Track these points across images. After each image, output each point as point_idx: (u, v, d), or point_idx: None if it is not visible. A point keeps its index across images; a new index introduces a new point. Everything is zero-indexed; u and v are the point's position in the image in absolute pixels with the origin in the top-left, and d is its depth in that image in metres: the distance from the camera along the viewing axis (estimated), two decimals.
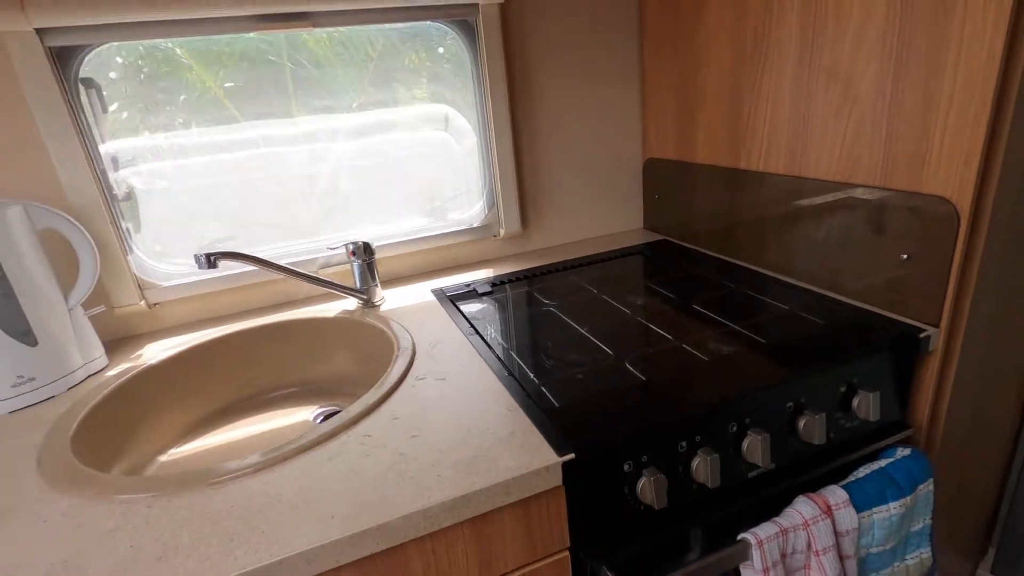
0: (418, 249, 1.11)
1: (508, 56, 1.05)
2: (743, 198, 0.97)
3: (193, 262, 0.87)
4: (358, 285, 0.96)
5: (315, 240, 1.05)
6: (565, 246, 1.22)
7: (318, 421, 0.85)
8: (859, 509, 0.65)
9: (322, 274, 1.01)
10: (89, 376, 0.82)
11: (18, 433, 0.69)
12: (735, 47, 0.92)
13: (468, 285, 1.03)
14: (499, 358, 0.74)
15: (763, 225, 0.94)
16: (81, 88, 0.84)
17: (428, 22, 1.00)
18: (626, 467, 0.58)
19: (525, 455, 0.54)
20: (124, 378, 0.79)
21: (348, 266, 1.00)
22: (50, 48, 0.79)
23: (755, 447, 0.63)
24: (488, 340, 0.80)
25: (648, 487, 0.58)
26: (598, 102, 1.16)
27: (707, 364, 0.68)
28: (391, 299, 0.99)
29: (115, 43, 0.84)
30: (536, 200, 1.17)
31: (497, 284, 1.03)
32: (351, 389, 0.91)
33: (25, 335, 0.74)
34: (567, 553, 0.59)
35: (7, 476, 0.60)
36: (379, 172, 1.06)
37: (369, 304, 0.97)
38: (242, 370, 0.90)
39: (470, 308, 0.93)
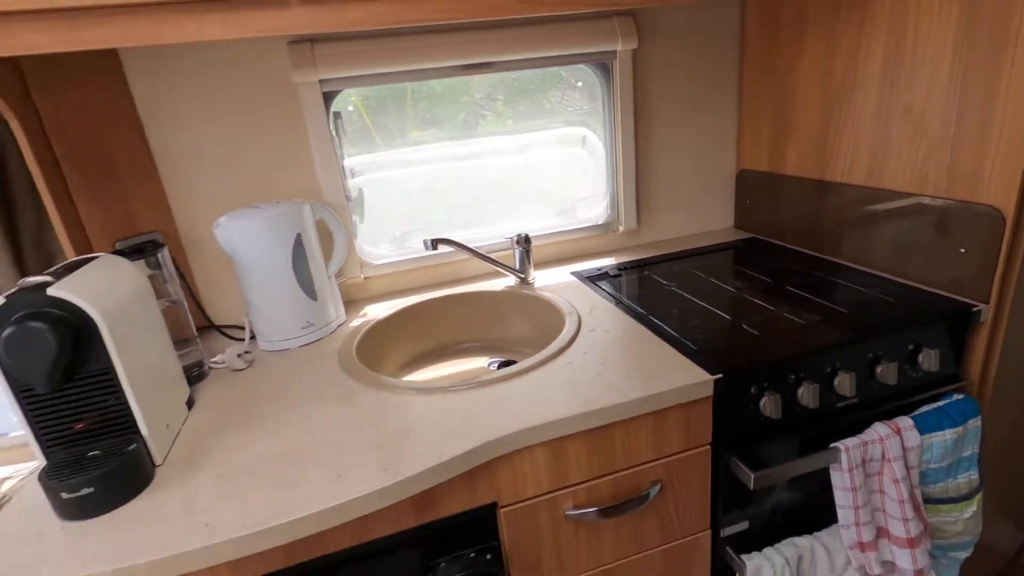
0: (554, 241, 1.39)
1: (634, 88, 1.32)
2: (827, 203, 1.21)
3: (391, 248, 1.20)
4: (518, 267, 1.25)
5: (482, 230, 1.35)
6: (669, 240, 1.48)
7: (493, 368, 1.14)
8: (921, 432, 0.88)
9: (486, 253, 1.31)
10: (339, 327, 1.14)
11: (314, 359, 1.01)
12: (825, 82, 1.16)
13: (599, 269, 1.30)
14: (643, 319, 1.01)
15: (843, 224, 1.18)
16: (332, 118, 1.17)
17: (573, 65, 1.28)
18: (752, 389, 0.84)
19: (687, 374, 0.82)
20: (367, 327, 1.11)
21: (510, 252, 1.29)
22: (323, 92, 1.12)
23: (844, 382, 0.88)
24: (630, 307, 1.07)
25: (768, 404, 0.84)
26: (702, 123, 1.41)
27: (804, 326, 0.94)
28: (540, 279, 1.28)
29: (358, 88, 1.16)
30: (648, 202, 1.44)
31: (623, 269, 1.30)
32: (519, 347, 1.20)
33: (311, 292, 1.07)
34: (709, 447, 0.86)
35: (331, 378, 0.92)
36: (528, 180, 1.35)
37: (525, 282, 1.26)
38: (436, 327, 1.21)
39: (606, 286, 1.20)
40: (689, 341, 0.92)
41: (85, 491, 0.64)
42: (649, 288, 1.18)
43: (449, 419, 0.77)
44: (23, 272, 0.98)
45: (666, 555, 0.90)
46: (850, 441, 0.86)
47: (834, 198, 1.19)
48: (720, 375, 0.81)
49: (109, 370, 0.68)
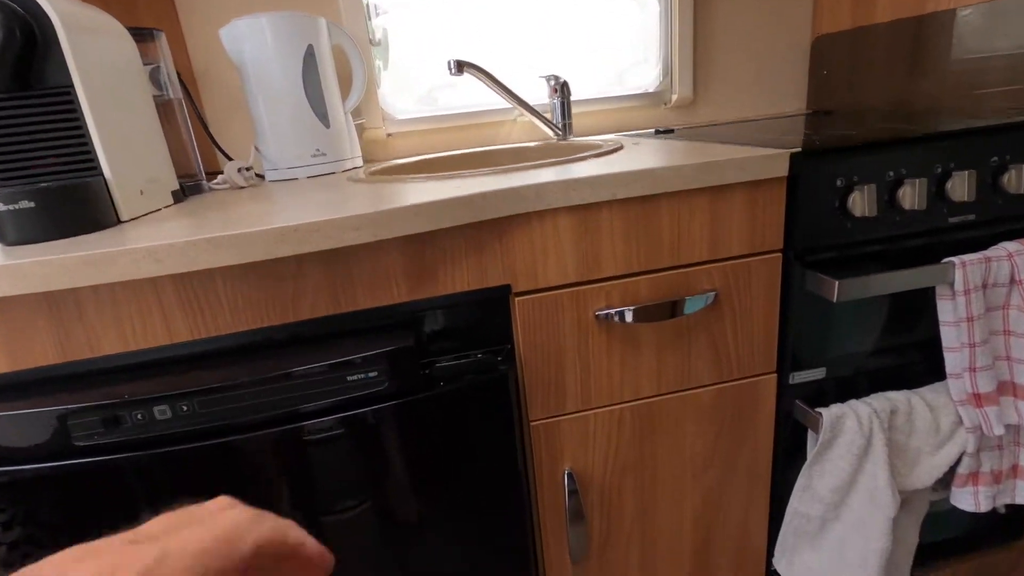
0: (594, 109, 1.24)
1: None
2: (931, 48, 1.01)
3: (417, 104, 1.08)
4: (558, 120, 1.11)
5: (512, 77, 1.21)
6: (728, 125, 1.30)
7: None
8: None
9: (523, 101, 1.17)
10: (354, 168, 1.03)
11: (325, 185, 0.90)
12: None
13: (649, 131, 1.15)
14: (704, 141, 0.85)
15: (954, 78, 0.97)
16: None
17: None
18: (839, 182, 0.67)
19: (758, 150, 0.65)
20: (383, 166, 0.99)
21: (546, 111, 1.15)
22: None
23: (959, 185, 0.69)
24: (687, 140, 0.91)
25: (859, 201, 0.67)
26: None
27: (912, 113, 0.75)
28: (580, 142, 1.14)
29: None
30: (706, 72, 1.27)
31: (680, 129, 1.14)
32: None
33: (324, 117, 0.96)
34: (779, 254, 0.69)
35: (342, 185, 0.80)
36: (571, 31, 1.21)
37: (564, 139, 1.12)
38: None
39: (657, 137, 1.04)
40: (761, 142, 0.75)
41: (24, 204, 0.55)
42: (711, 135, 1.01)
43: (462, 188, 0.64)
44: None
45: (718, 398, 0.73)
46: (968, 256, 0.67)
47: (940, 35, 0.99)
48: (798, 148, 0.64)
49: (67, 89, 0.59)
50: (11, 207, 0.55)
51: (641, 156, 0.73)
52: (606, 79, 1.26)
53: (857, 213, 0.67)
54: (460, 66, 0.98)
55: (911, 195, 0.67)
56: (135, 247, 0.49)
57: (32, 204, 0.55)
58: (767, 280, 0.69)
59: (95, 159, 0.62)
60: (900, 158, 0.68)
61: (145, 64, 0.80)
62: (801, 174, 0.65)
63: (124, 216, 0.64)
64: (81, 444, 0.52)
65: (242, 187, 0.91)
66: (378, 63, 1.14)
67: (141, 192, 0.69)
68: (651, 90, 1.26)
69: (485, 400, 0.62)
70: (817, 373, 0.75)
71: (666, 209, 0.64)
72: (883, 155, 0.67)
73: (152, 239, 0.51)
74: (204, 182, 0.92)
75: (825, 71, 1.27)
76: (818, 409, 0.73)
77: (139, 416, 0.52)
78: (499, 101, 1.19)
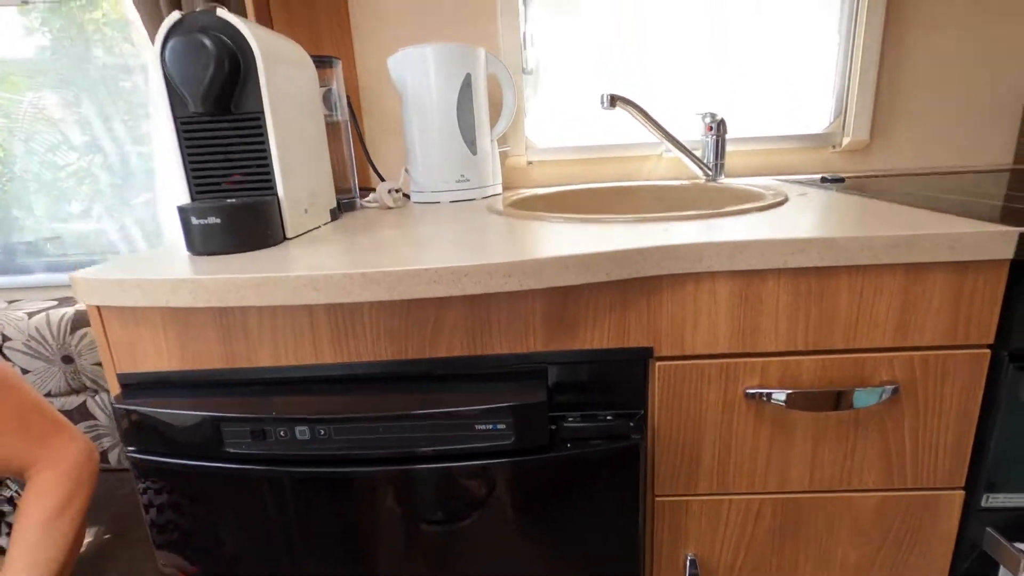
0: (749, 149, 1.15)
1: None
2: None
3: (561, 133, 1.07)
4: (711, 159, 1.04)
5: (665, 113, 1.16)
6: (909, 177, 1.14)
7: None
8: None
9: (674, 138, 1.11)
10: (495, 195, 1.04)
11: (467, 210, 0.91)
12: None
13: (811, 179, 1.03)
14: (886, 201, 0.74)
15: None
16: None
17: None
18: None
19: (971, 224, 0.55)
20: (522, 196, 0.99)
21: (698, 148, 1.08)
22: None
23: None
24: (862, 194, 0.80)
25: None
26: (985, 25, 1.06)
27: None
28: (731, 182, 1.05)
29: None
30: (889, 114, 1.12)
31: (849, 178, 1.01)
32: None
33: (472, 144, 0.98)
34: (988, 350, 0.57)
35: (481, 216, 0.81)
36: (733, 63, 1.13)
37: (713, 181, 1.04)
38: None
39: (824, 188, 0.93)
40: (967, 212, 0.64)
41: (212, 220, 0.60)
42: (891, 190, 0.88)
43: (612, 239, 0.60)
44: None
45: (883, 506, 0.62)
46: None
47: None
48: None
49: (259, 115, 0.65)
50: (201, 221, 0.60)
51: (813, 213, 0.64)
52: (767, 114, 1.16)
53: None
54: (613, 100, 0.95)
55: None
56: (298, 275, 0.51)
57: (218, 220, 0.61)
58: (967, 380, 0.58)
59: (273, 180, 0.67)
60: None
61: (320, 86, 0.87)
62: None
63: (289, 233, 0.69)
64: (231, 451, 0.55)
65: (390, 207, 0.94)
66: (527, 92, 1.14)
67: (305, 211, 0.73)
68: (819, 131, 1.14)
69: (613, 469, 0.57)
70: (1022, 499, 0.61)
71: (846, 284, 0.55)
72: None
73: (312, 265, 0.53)
74: (357, 199, 0.97)
75: None
76: (1019, 545, 0.59)
77: (282, 433, 0.55)
78: (645, 135, 1.14)
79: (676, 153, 1.05)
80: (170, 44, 0.60)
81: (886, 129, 1.13)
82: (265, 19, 1.01)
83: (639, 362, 0.59)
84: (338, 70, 0.92)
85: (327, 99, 0.92)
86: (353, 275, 0.51)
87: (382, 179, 1.07)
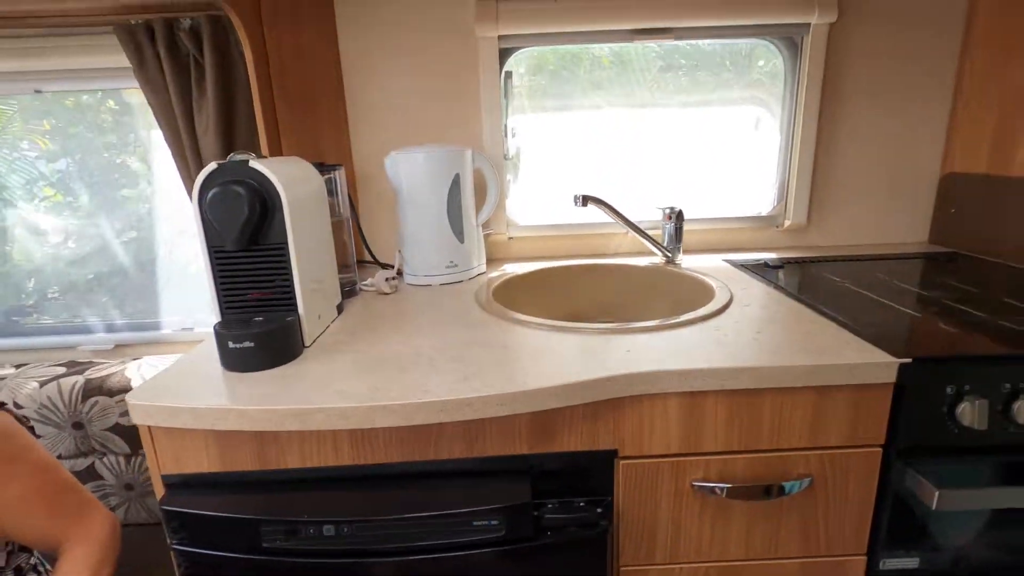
0: (706, 228, 1.30)
1: (825, 67, 1.19)
2: None
3: (539, 213, 1.20)
4: (666, 243, 1.18)
5: (632, 205, 1.30)
6: (842, 248, 1.30)
7: None
8: None
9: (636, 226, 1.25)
10: (479, 275, 1.16)
11: (453, 295, 1.03)
12: None
13: (757, 260, 1.19)
14: (809, 304, 0.89)
15: None
16: (503, 77, 1.21)
17: (754, 40, 1.20)
18: (949, 389, 0.69)
19: (865, 353, 0.69)
20: (505, 278, 1.11)
21: (659, 232, 1.23)
22: (500, 48, 1.16)
23: None
24: (793, 294, 0.95)
25: (968, 412, 0.68)
26: (902, 116, 1.24)
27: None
28: (688, 262, 1.20)
29: (529, 48, 1.19)
30: (822, 199, 1.29)
31: (788, 262, 1.17)
32: None
33: (460, 233, 1.10)
34: (880, 449, 0.72)
35: (467, 310, 0.93)
36: (689, 160, 1.28)
37: (671, 262, 1.18)
38: (571, 294, 1.18)
39: (767, 275, 1.08)
40: (868, 329, 0.78)
41: (247, 344, 0.71)
42: (819, 282, 1.04)
43: (580, 354, 0.73)
44: None
45: (803, 570, 0.77)
46: None
47: None
48: (907, 360, 0.68)
49: (283, 246, 0.75)
50: (237, 346, 0.71)
51: (749, 329, 0.78)
52: (719, 197, 1.31)
53: (966, 423, 0.69)
54: (585, 200, 1.08)
55: None
56: (330, 407, 0.62)
57: (252, 344, 0.71)
58: (865, 472, 0.72)
59: (294, 299, 0.77)
60: (1018, 372, 0.69)
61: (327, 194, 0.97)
62: (909, 384, 0.68)
63: (307, 341, 0.80)
64: (267, 545, 0.66)
65: (387, 293, 1.06)
66: (508, 177, 1.27)
67: (319, 316, 0.84)
68: (764, 213, 1.30)
69: (585, 549, 0.70)
70: (910, 562, 0.76)
71: (769, 400, 0.69)
72: (998, 368, 0.69)
73: (335, 388, 0.64)
74: (358, 285, 1.08)
75: (953, 209, 1.24)
76: None
77: (311, 530, 0.65)
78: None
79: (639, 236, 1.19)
80: (210, 193, 0.70)
81: (821, 211, 1.30)
82: (272, 120, 1.11)
83: (607, 460, 0.72)
84: (340, 175, 1.02)
85: (331, 203, 1.02)
86: (375, 407, 0.62)
87: (379, 265, 1.18)
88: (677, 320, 0.82)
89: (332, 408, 0.62)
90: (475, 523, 0.66)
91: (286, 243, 0.75)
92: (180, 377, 0.72)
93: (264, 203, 0.73)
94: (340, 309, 0.95)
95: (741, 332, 0.78)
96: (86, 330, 1.37)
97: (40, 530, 0.80)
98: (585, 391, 0.66)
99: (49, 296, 1.39)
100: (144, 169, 1.32)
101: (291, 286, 0.77)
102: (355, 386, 0.66)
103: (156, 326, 1.38)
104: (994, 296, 0.91)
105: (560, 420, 0.69)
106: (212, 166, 0.72)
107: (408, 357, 0.75)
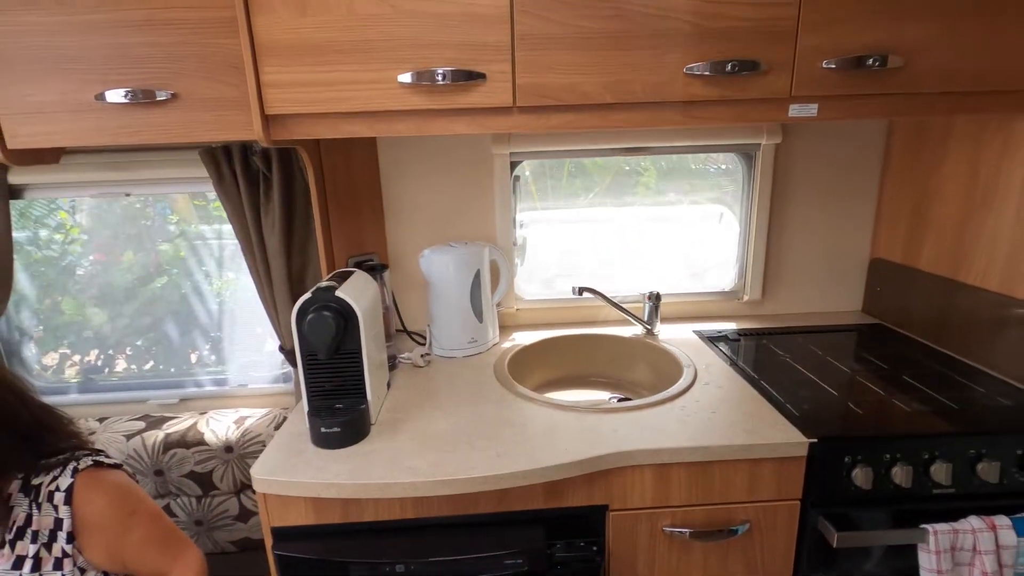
0: (682, 300, 1.57)
1: (774, 175, 1.47)
2: (958, 302, 1.26)
3: (541, 288, 1.47)
4: (646, 319, 1.45)
5: (619, 282, 1.57)
6: (791, 315, 1.58)
7: (613, 402, 1.34)
8: (1019, 534, 0.93)
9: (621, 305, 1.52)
10: (494, 345, 1.42)
11: (475, 367, 1.29)
12: (967, 186, 1.23)
13: (720, 332, 1.46)
14: (755, 382, 1.16)
15: (972, 325, 1.22)
16: (512, 181, 1.47)
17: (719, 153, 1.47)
18: (846, 459, 0.96)
19: (786, 434, 0.96)
20: (515, 350, 1.37)
21: (641, 305, 1.49)
22: (510, 162, 1.43)
23: (940, 471, 0.95)
24: (743, 370, 1.22)
25: (860, 475, 0.95)
26: (838, 211, 1.52)
27: (911, 413, 1.03)
28: (664, 332, 1.46)
29: (534, 160, 1.46)
30: (775, 277, 1.56)
31: (743, 334, 1.44)
32: (638, 388, 1.39)
33: (479, 315, 1.36)
34: (798, 502, 0.98)
35: (489, 384, 1.19)
36: (666, 245, 1.55)
37: (650, 334, 1.45)
38: (570, 359, 1.45)
39: (725, 348, 1.35)
40: (793, 407, 1.05)
41: (335, 429, 0.96)
42: (765, 355, 1.31)
43: (580, 431, 0.99)
44: (290, 268, 1.38)
45: None
46: (940, 525, 0.94)
47: (966, 298, 1.24)
48: (815, 439, 0.94)
49: (357, 351, 1.00)
50: (326, 431, 0.96)
51: (705, 409, 1.05)
52: (691, 275, 1.58)
53: (858, 483, 0.96)
54: (581, 290, 1.35)
55: (902, 475, 0.95)
56: (404, 483, 0.87)
57: (338, 429, 0.96)
58: (788, 518, 0.99)
59: (364, 390, 1.02)
60: (897, 446, 0.96)
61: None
62: (817, 455, 0.95)
63: (373, 419, 1.05)
64: None
65: (421, 367, 1.31)
66: (516, 260, 1.53)
67: (379, 398, 1.09)
68: (727, 289, 1.57)
69: None
70: None
71: (718, 468, 0.96)
72: (881, 443, 0.96)
73: (403, 466, 0.89)
74: (398, 359, 1.33)
75: (878, 288, 1.53)
76: None
77: (386, 569, 0.90)
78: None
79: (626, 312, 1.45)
80: (308, 318, 0.95)
81: (774, 286, 1.57)
82: (325, 221, 1.36)
83: (601, 512, 0.98)
84: (387, 275, 1.28)
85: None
86: (437, 482, 0.87)
87: (411, 337, 1.43)
88: (652, 400, 1.09)
89: (407, 483, 0.87)
90: (506, 561, 0.91)
91: (360, 349, 1.00)
92: (285, 454, 0.96)
93: (345, 323, 0.98)
94: (389, 384, 1.20)
95: (700, 411, 1.04)
96: (153, 386, 1.60)
97: (153, 564, 1.03)
98: (584, 465, 0.92)
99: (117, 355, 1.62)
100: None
101: (362, 379, 1.02)
102: (419, 464, 0.91)
103: (221, 382, 1.61)
104: (898, 374, 1.19)
105: (566, 484, 0.95)
106: (307, 295, 0.97)
107: (452, 436, 1.00)
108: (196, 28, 0.99)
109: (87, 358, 1.62)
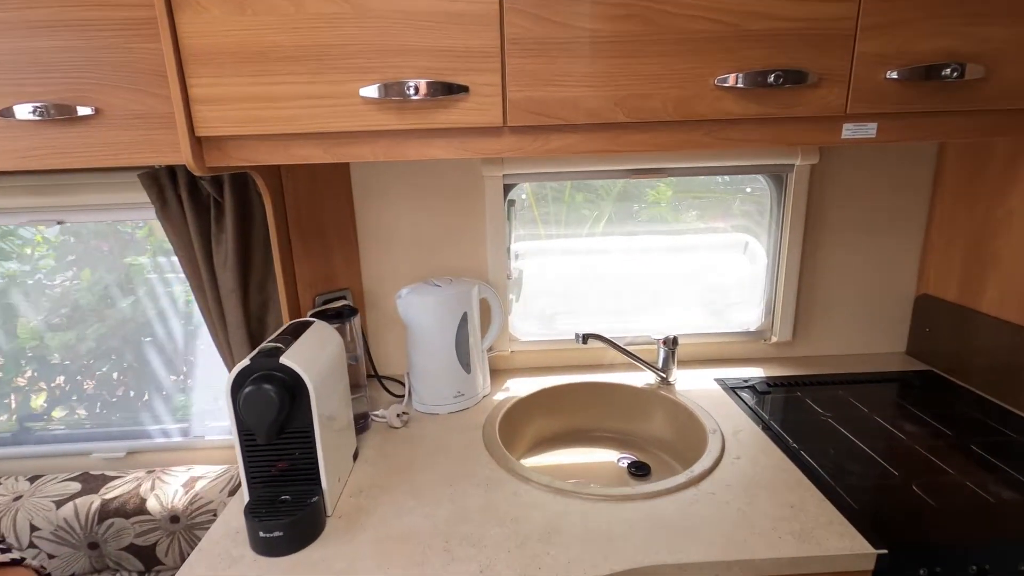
0: (700, 341, 1.37)
1: (808, 201, 1.28)
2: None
3: (539, 326, 1.27)
4: (660, 365, 1.25)
5: (629, 321, 1.37)
6: (826, 357, 1.38)
7: (623, 464, 1.14)
8: None
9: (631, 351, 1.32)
10: (484, 398, 1.22)
11: (460, 429, 1.09)
12: None
13: (745, 380, 1.26)
14: (794, 454, 0.96)
15: None
16: (507, 206, 1.28)
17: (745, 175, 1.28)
18: (922, 572, 0.76)
19: (845, 541, 0.76)
20: (509, 404, 1.17)
21: (654, 348, 1.30)
22: (504, 185, 1.23)
23: None
24: (779, 436, 1.02)
25: None
26: (879, 241, 1.32)
27: (992, 504, 0.83)
28: (681, 380, 1.27)
29: (532, 183, 1.26)
30: (807, 315, 1.37)
31: (772, 385, 1.24)
32: (652, 448, 1.19)
33: (466, 365, 1.16)
34: None
35: (475, 457, 0.99)
36: (682, 278, 1.36)
37: (665, 383, 1.25)
38: (572, 411, 1.25)
39: (752, 401, 1.16)
40: (846, 493, 0.86)
41: (276, 534, 0.76)
42: (801, 414, 1.11)
43: (587, 533, 0.79)
44: (248, 308, 1.18)
45: None
46: None
47: None
48: (885, 550, 0.75)
49: (309, 429, 0.81)
50: (267, 535, 0.76)
51: (741, 490, 0.85)
52: (712, 312, 1.38)
53: None
54: (586, 338, 1.15)
55: None
56: None
57: (281, 533, 0.76)
58: None
59: (319, 478, 0.83)
60: (986, 555, 0.76)
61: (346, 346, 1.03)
62: (886, 569, 0.75)
63: (330, 511, 0.85)
64: None
65: (397, 428, 1.11)
66: (511, 296, 1.33)
67: (339, 479, 0.89)
68: (753, 328, 1.37)
69: None
70: None
71: None
72: (966, 554, 0.76)
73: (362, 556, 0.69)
74: (370, 416, 1.13)
75: (927, 328, 1.33)
76: None
77: None
78: (611, 328, 1.35)
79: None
80: (243, 392, 0.76)
81: (806, 326, 1.37)
82: (287, 254, 1.16)
83: None
84: (355, 322, 1.08)
85: (349, 349, 1.08)
86: None
87: (388, 391, 1.24)
88: (673, 484, 0.89)
89: None
90: None
91: (311, 426, 0.81)
92: (215, 564, 0.76)
93: (293, 397, 0.78)
94: (356, 454, 1.01)
95: (733, 500, 0.85)
96: (97, 437, 1.41)
97: None
98: None
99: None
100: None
101: (316, 464, 0.82)
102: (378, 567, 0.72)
103: (173, 433, 1.42)
104: (964, 442, 0.99)
105: None
106: (245, 362, 0.78)
107: (425, 538, 0.80)
108: (117, 30, 0.81)
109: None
